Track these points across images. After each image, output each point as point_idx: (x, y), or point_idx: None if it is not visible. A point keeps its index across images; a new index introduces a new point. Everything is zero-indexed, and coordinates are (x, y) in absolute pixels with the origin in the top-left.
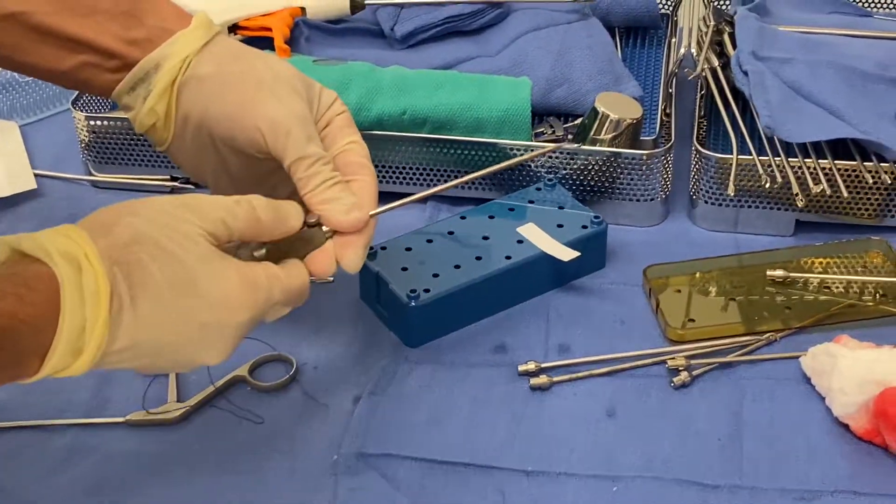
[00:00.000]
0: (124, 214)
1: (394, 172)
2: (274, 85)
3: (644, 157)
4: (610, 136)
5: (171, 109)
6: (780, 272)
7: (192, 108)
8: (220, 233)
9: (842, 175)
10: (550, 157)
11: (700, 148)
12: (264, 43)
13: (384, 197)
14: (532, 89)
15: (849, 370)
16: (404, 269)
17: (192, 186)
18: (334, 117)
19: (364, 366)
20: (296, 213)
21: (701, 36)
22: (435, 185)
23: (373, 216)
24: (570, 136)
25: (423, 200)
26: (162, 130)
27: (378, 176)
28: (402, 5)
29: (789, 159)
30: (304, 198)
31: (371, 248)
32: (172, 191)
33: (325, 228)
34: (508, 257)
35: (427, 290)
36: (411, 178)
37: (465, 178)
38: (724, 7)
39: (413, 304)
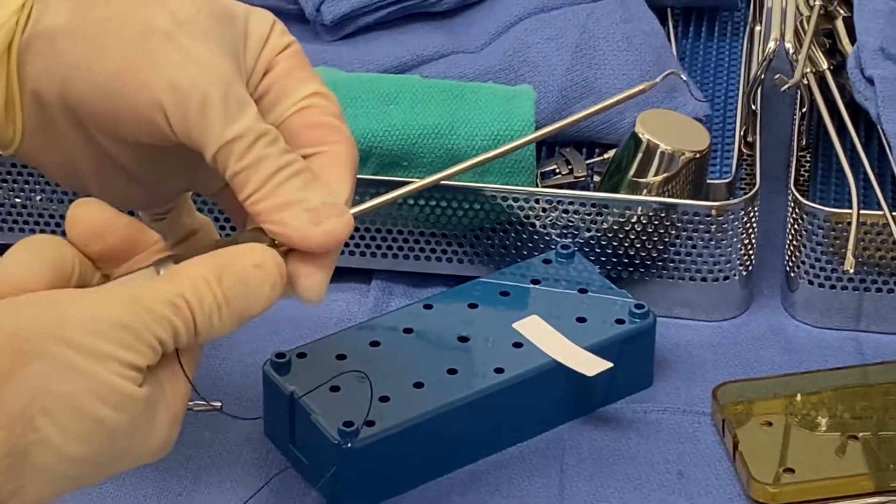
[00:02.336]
0: (24, 353)
1: None
2: (173, 28)
3: (713, 212)
4: (660, 177)
5: (11, 90)
6: None
7: (46, 84)
8: (151, 359)
9: None
10: (566, 213)
11: (801, 197)
12: None
13: None
14: (537, 104)
15: None
16: (335, 388)
17: None
18: (275, 56)
19: None
20: (271, 288)
21: (801, 23)
22: (384, 257)
23: (356, 215)
24: (594, 178)
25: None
26: (3, 125)
27: None
28: None
29: None
30: (245, 207)
31: (282, 354)
32: None
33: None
34: (500, 370)
35: (371, 424)
36: (346, 244)
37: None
38: None
39: (349, 445)
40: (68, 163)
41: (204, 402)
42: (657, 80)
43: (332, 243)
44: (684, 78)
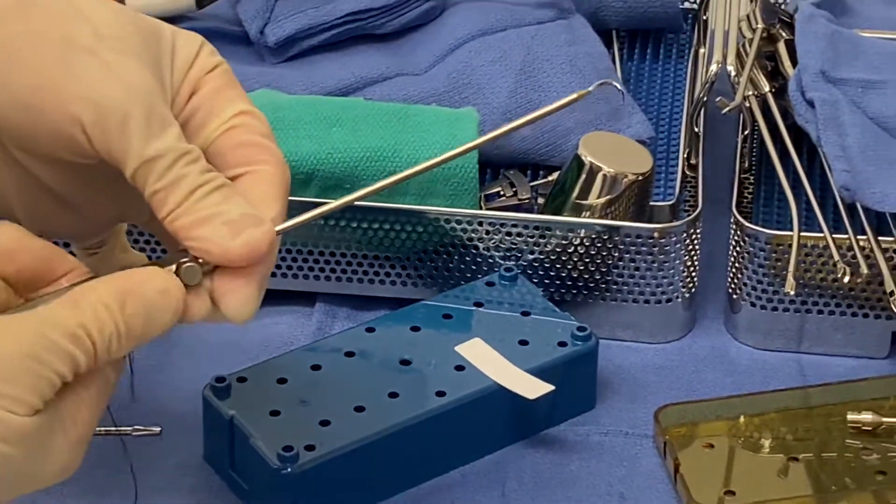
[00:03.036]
0: None
1: None
2: (95, 43)
3: (655, 234)
4: (603, 199)
5: None
6: (868, 416)
7: None
8: (47, 394)
9: None
10: (509, 235)
11: (742, 220)
12: None
13: None
14: (481, 126)
15: None
16: (275, 412)
17: None
18: (203, 76)
19: None
20: (172, 315)
21: (743, 45)
22: (328, 280)
23: (280, 232)
24: (539, 200)
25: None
26: None
27: None
28: None
29: (880, 238)
30: (165, 224)
31: (222, 378)
32: None
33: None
34: (441, 393)
35: (311, 448)
36: (289, 267)
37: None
38: (777, 2)
39: (289, 469)
40: None
41: (142, 427)
42: (590, 88)
43: (252, 255)
44: (619, 87)
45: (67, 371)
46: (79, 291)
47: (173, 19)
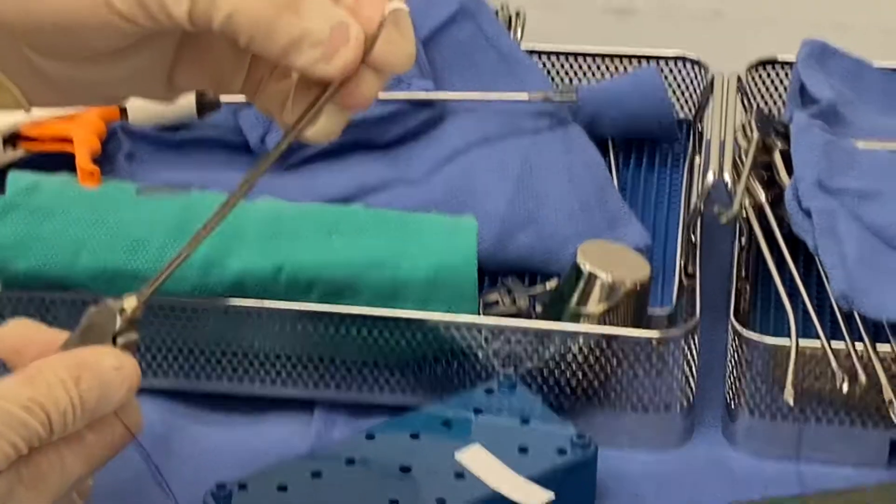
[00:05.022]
0: None
1: (260, 365)
2: None
3: (654, 343)
4: (601, 308)
5: None
6: None
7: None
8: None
9: None
10: (508, 342)
11: (740, 328)
12: (61, 162)
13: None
14: (479, 234)
15: None
16: None
17: None
18: None
19: None
20: (127, 390)
21: (739, 155)
22: (327, 387)
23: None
24: (537, 308)
25: (308, 404)
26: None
27: (236, 372)
28: None
29: (877, 346)
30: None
31: (223, 485)
32: None
33: None
34: (442, 501)
35: None
36: (288, 374)
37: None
38: (772, 112)
39: None
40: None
41: None
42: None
43: (348, 73)
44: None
45: (22, 443)
46: (34, 367)
47: (175, 128)
